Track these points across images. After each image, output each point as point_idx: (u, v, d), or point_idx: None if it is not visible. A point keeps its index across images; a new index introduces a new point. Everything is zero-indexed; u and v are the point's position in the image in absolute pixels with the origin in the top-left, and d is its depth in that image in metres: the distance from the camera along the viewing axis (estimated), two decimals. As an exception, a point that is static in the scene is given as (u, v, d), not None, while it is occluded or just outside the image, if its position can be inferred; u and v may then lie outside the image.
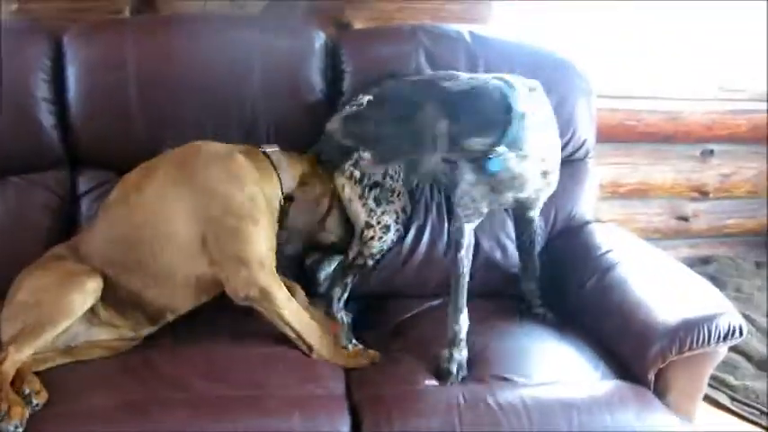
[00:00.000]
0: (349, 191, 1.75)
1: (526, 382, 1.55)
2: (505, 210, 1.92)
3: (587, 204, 2.06)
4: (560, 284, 1.89)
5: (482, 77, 1.52)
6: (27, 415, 1.36)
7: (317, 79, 1.93)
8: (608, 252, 1.85)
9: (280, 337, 1.62)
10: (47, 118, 1.84)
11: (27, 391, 1.40)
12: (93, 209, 1.87)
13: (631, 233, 2.12)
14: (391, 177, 1.74)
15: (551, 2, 2.43)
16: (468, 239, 1.64)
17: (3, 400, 1.36)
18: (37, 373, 1.49)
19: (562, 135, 1.97)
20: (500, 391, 1.51)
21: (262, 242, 1.60)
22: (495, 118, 1.42)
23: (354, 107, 1.76)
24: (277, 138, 1.90)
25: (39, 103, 1.82)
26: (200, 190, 1.60)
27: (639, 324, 1.60)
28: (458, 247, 1.64)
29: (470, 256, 1.66)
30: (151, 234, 1.60)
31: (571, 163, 2.03)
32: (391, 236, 1.74)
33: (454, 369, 1.55)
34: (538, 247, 1.86)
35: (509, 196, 1.60)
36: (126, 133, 1.86)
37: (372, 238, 1.73)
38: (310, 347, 1.60)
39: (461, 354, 1.58)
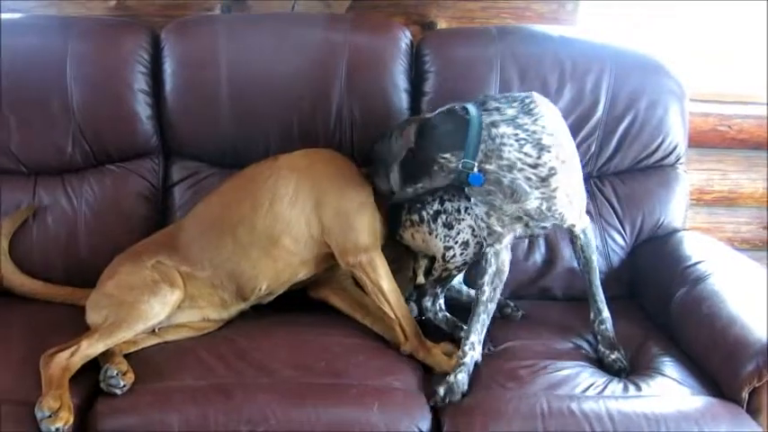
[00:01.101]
0: (419, 236, 1.75)
1: (611, 392, 1.51)
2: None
3: (676, 212, 1.99)
4: (646, 295, 1.85)
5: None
6: (71, 421, 1.38)
7: (401, 79, 1.94)
8: (699, 263, 1.79)
9: (361, 329, 1.65)
10: (144, 109, 1.91)
11: (115, 372, 1.46)
12: (184, 198, 1.95)
13: (722, 243, 2.04)
14: (449, 200, 1.72)
15: (640, 1, 2.35)
16: (493, 266, 1.60)
17: (58, 399, 1.39)
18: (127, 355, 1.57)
19: (652, 140, 1.96)
20: (585, 399, 1.48)
21: (371, 215, 1.67)
22: (456, 133, 1.52)
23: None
24: (360, 136, 1.93)
25: (136, 94, 1.90)
26: (317, 173, 1.70)
27: (733, 339, 1.53)
28: (482, 273, 1.61)
29: (497, 283, 1.61)
30: (263, 209, 1.67)
31: (661, 169, 1.98)
32: (471, 249, 1.72)
33: (442, 392, 1.50)
34: (596, 271, 1.69)
35: (514, 209, 1.55)
36: (216, 127, 1.92)
37: (454, 255, 1.73)
38: (405, 334, 1.63)
39: (457, 378, 1.52)
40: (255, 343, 1.61)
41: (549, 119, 1.55)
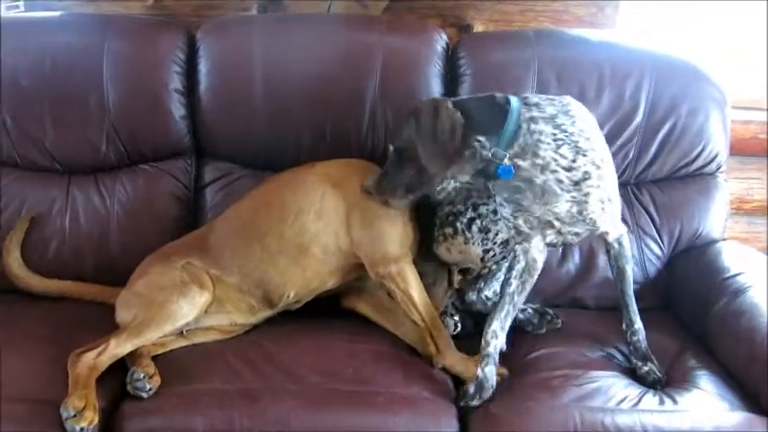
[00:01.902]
0: (454, 249, 1.72)
1: (646, 406, 1.47)
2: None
3: (715, 222, 1.95)
4: (682, 306, 1.81)
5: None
6: (96, 422, 1.38)
7: (435, 82, 1.92)
8: (738, 275, 1.74)
9: (390, 337, 1.64)
10: (178, 108, 1.92)
11: (142, 375, 1.46)
12: (216, 199, 1.95)
13: (761, 254, 1.98)
14: (483, 204, 1.68)
15: (683, 3, 2.29)
16: (522, 262, 1.56)
17: (83, 398, 1.39)
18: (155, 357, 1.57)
19: (692, 147, 1.92)
20: (619, 413, 1.45)
21: (401, 226, 1.66)
22: (494, 119, 1.47)
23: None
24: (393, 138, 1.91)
25: (171, 94, 1.90)
26: (348, 185, 1.69)
27: None
28: (510, 267, 1.58)
29: (526, 278, 1.57)
30: (292, 215, 1.67)
31: (700, 177, 1.94)
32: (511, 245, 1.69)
33: (472, 389, 1.49)
34: (630, 282, 1.63)
35: (542, 211, 1.50)
36: (249, 128, 1.92)
37: (494, 255, 1.70)
38: (437, 347, 1.60)
39: (485, 372, 1.49)
40: (283, 348, 1.60)
41: (586, 123, 1.52)
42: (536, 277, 1.59)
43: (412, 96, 1.89)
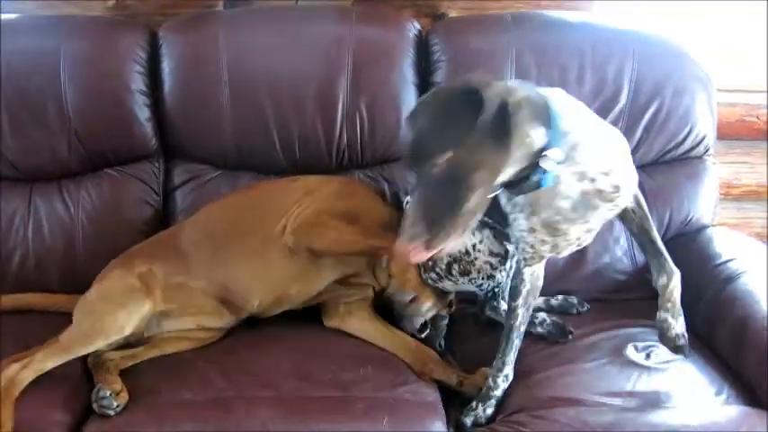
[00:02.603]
0: (447, 285, 1.62)
1: (637, 404, 1.41)
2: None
3: (706, 207, 1.90)
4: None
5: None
6: None
7: (409, 72, 1.86)
8: (730, 261, 1.70)
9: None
10: (142, 110, 1.85)
11: (108, 393, 1.39)
12: (186, 202, 1.88)
13: (752, 239, 1.95)
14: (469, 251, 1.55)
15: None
16: (528, 285, 1.42)
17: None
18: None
19: (679, 130, 1.87)
20: (604, 413, 1.39)
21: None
22: (539, 106, 1.20)
23: None
24: (369, 132, 1.85)
25: (134, 95, 1.83)
26: (321, 189, 1.66)
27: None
28: (514, 295, 1.44)
29: (530, 302, 1.44)
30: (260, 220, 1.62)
31: (689, 161, 1.89)
32: (500, 271, 1.59)
33: (469, 422, 1.42)
34: (654, 231, 1.47)
35: (580, 231, 1.34)
36: (217, 127, 1.85)
37: (488, 285, 1.61)
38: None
39: (486, 411, 1.43)
40: (258, 354, 1.54)
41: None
42: (537, 296, 1.48)
43: (386, 87, 1.83)
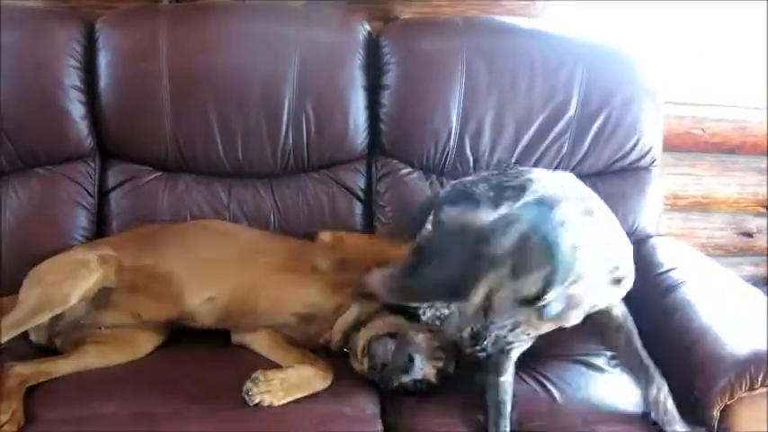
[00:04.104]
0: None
1: (566, 412, 1.42)
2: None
3: (650, 217, 1.92)
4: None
5: (529, 208, 1.26)
6: None
7: (359, 74, 1.84)
8: (671, 270, 1.72)
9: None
10: (76, 107, 1.77)
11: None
12: (123, 204, 1.81)
13: (696, 250, 1.97)
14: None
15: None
16: (515, 359, 1.41)
17: None
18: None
19: (627, 140, 1.89)
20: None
21: None
22: (540, 264, 1.17)
23: None
24: (316, 133, 1.81)
25: (67, 91, 1.75)
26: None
27: (704, 353, 1.46)
28: (500, 371, 1.41)
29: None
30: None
31: (635, 171, 1.91)
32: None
33: None
34: (641, 345, 1.47)
35: (574, 315, 1.32)
36: (156, 126, 1.79)
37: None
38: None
39: None
40: (187, 369, 1.48)
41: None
42: None
43: (333, 89, 1.80)
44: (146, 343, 1.57)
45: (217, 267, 1.59)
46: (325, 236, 1.72)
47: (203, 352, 1.55)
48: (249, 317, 1.57)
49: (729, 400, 1.39)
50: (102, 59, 1.77)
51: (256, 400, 1.35)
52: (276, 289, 1.57)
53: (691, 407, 1.44)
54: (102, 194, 1.82)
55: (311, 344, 1.57)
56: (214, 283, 1.57)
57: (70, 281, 1.49)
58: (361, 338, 1.49)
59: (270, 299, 1.57)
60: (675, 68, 2.36)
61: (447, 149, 1.84)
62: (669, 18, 2.31)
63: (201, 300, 1.57)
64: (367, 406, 1.43)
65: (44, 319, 1.48)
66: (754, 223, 2.66)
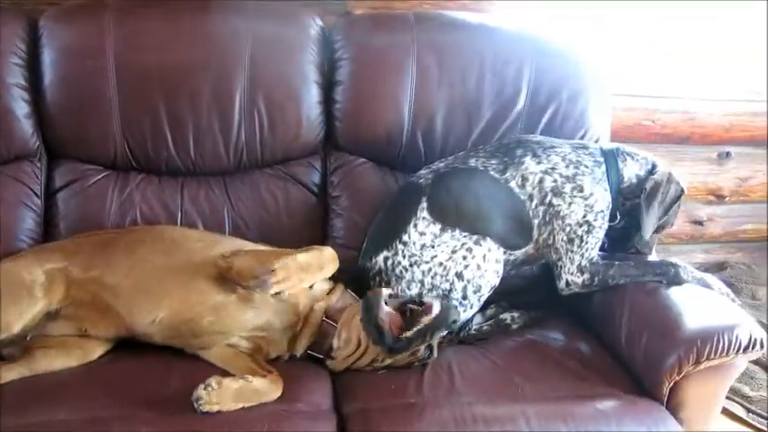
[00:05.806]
0: None
1: (526, 395, 1.44)
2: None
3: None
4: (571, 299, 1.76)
5: None
6: None
7: (311, 69, 1.82)
8: None
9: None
10: (20, 105, 1.72)
11: None
12: (70, 205, 1.76)
13: None
14: None
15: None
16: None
17: None
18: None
19: (574, 133, 1.90)
20: (498, 406, 1.40)
21: None
22: None
23: None
24: (269, 129, 1.80)
25: (10, 88, 1.70)
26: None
27: (654, 332, 1.50)
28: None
29: None
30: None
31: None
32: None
33: None
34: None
35: None
36: (104, 124, 1.75)
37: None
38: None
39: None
40: (141, 373, 1.45)
41: None
42: None
43: (285, 84, 1.79)
44: (96, 347, 1.52)
45: (163, 285, 1.51)
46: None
47: (156, 355, 1.51)
48: (198, 340, 1.52)
49: (678, 375, 1.44)
50: (47, 57, 1.72)
51: (204, 410, 1.31)
52: (221, 311, 1.50)
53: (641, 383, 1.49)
54: (49, 195, 1.77)
55: (265, 358, 1.54)
56: (160, 303, 1.50)
57: (13, 307, 1.43)
58: (349, 331, 1.49)
59: (216, 323, 1.51)
60: (626, 63, 2.41)
61: (400, 144, 1.85)
62: (621, 14, 2.36)
63: (147, 321, 1.50)
64: (322, 401, 1.42)
65: None
66: (705, 211, 2.73)
